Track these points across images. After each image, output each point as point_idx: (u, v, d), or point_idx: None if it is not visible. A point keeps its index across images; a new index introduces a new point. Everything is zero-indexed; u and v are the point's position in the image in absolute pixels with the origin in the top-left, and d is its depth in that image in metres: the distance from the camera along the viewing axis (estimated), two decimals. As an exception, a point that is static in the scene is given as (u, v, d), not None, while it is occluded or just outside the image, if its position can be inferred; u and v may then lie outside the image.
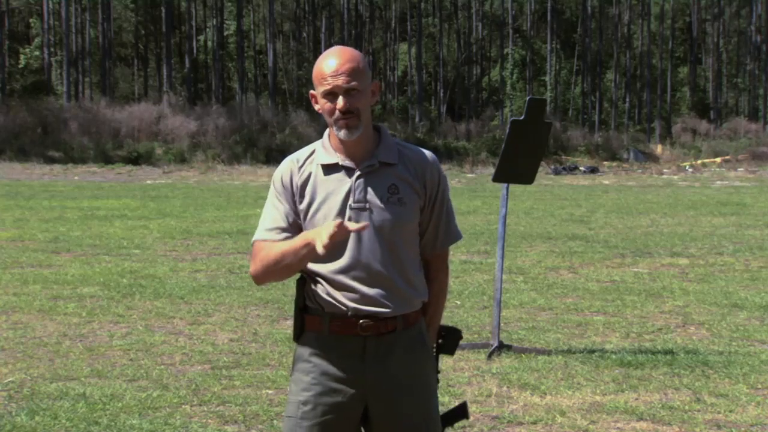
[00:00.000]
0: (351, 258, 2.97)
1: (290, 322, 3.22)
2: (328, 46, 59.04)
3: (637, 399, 6.27)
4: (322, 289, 3.00)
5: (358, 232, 2.82)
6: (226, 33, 61.43)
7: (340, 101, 2.92)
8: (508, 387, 6.56)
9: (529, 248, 14.52)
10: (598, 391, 6.44)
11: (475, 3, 66.82)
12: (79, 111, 44.86)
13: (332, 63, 2.93)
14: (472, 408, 6.02)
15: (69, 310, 9.15)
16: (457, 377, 6.79)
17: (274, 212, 3.05)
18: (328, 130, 3.06)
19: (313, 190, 3.00)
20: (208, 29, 63.20)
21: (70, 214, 19.29)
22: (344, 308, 2.96)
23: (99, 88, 54.73)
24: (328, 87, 2.92)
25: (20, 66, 58.04)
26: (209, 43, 62.21)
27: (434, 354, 3.15)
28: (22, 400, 6.09)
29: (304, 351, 3.05)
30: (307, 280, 3.05)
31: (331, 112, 2.94)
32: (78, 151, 40.49)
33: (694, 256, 13.85)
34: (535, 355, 7.48)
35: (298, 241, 2.90)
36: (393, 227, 2.98)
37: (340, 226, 2.74)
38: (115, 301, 9.71)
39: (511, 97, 64.28)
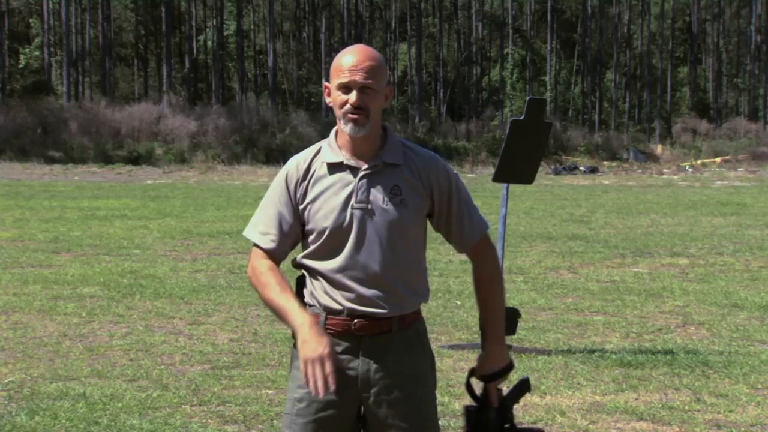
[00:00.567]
0: (350, 258, 2.97)
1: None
2: (329, 46, 59.16)
3: (637, 399, 6.27)
4: (320, 287, 3.02)
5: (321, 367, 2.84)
6: (226, 33, 61.43)
7: (353, 96, 2.93)
8: (507, 387, 6.55)
9: (529, 248, 14.52)
10: (598, 391, 6.44)
11: (475, 3, 66.82)
12: (79, 111, 44.86)
13: (353, 58, 2.94)
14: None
15: (69, 310, 9.15)
16: (457, 377, 6.79)
17: (272, 215, 3.06)
18: (335, 128, 3.07)
19: (317, 188, 3.01)
20: (208, 29, 63.20)
21: (70, 214, 19.29)
22: (340, 307, 2.97)
23: (99, 88, 54.73)
24: (345, 80, 2.93)
25: (20, 66, 58.05)
26: (209, 43, 62.20)
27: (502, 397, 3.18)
28: (22, 400, 6.09)
29: None
30: (307, 277, 3.07)
31: (342, 104, 2.95)
32: (78, 151, 40.49)
33: (694, 256, 13.85)
34: (535, 355, 7.49)
35: (292, 318, 2.92)
36: (394, 228, 2.99)
37: (320, 358, 2.82)
38: (115, 301, 9.71)
39: (511, 97, 64.28)
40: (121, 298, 9.84)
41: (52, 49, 56.52)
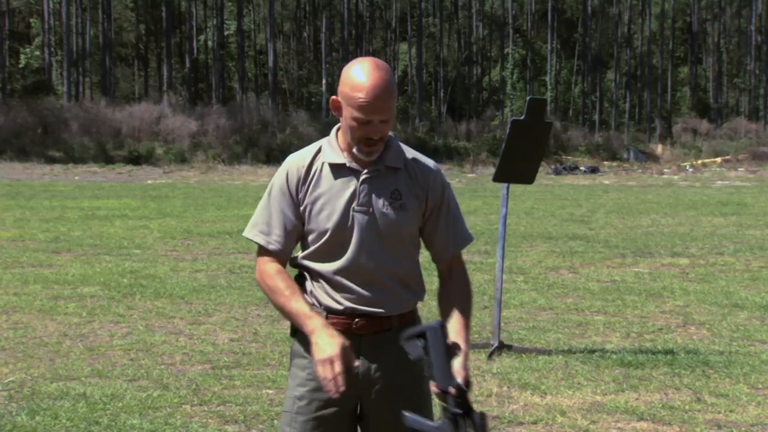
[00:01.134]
0: (350, 259, 2.99)
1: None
2: (329, 46, 59.19)
3: (637, 399, 6.27)
4: (320, 287, 3.04)
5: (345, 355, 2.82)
6: (226, 33, 61.43)
7: (376, 133, 2.92)
8: (508, 387, 6.56)
9: (530, 248, 14.52)
10: (598, 391, 6.44)
11: (475, 3, 66.79)
12: (80, 111, 44.83)
13: (372, 93, 2.86)
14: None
15: (69, 310, 9.15)
16: (458, 377, 6.79)
17: (274, 215, 3.06)
18: (337, 128, 3.06)
19: (318, 189, 3.02)
20: (208, 29, 63.21)
21: (71, 214, 19.29)
22: (341, 307, 2.99)
23: (99, 88, 54.72)
24: (366, 118, 2.89)
25: (21, 66, 58.04)
26: (210, 43, 62.21)
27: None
28: (22, 400, 6.09)
29: (301, 347, 3.07)
30: (307, 277, 3.07)
31: (361, 138, 2.93)
32: (78, 151, 40.47)
33: (694, 256, 13.85)
34: (535, 355, 7.49)
35: (304, 323, 2.92)
36: (393, 231, 3.01)
37: (331, 360, 2.79)
38: (115, 301, 9.71)
39: (511, 97, 64.25)
40: (121, 298, 9.84)
41: (52, 49, 56.52)
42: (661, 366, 7.13)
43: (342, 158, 3.02)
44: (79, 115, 43.84)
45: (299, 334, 3.07)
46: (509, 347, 7.61)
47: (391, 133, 3.10)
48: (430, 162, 3.13)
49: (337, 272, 2.99)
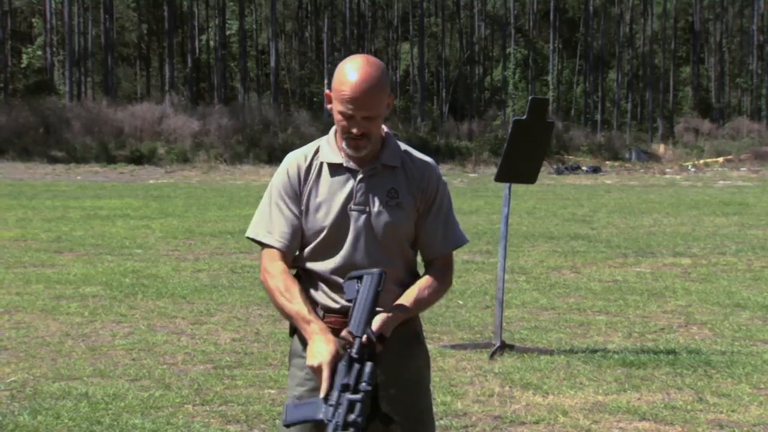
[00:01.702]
0: (347, 258, 3.01)
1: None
2: (331, 45, 59.19)
3: (639, 399, 6.27)
4: (316, 285, 3.06)
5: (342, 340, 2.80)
6: (228, 32, 61.44)
7: (356, 129, 2.93)
8: (510, 387, 6.56)
9: (532, 248, 14.52)
10: (600, 391, 6.44)
11: (477, 2, 66.78)
12: (82, 111, 44.85)
13: (356, 87, 2.88)
14: (474, 408, 6.03)
15: (71, 310, 9.15)
16: (460, 377, 6.80)
17: (277, 213, 3.07)
18: (335, 128, 3.07)
19: (317, 188, 3.04)
20: (210, 29, 63.22)
21: (73, 213, 19.30)
22: (337, 305, 3.01)
23: (101, 87, 54.74)
24: (348, 111, 2.91)
25: (23, 66, 58.08)
26: (211, 43, 62.24)
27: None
28: (24, 400, 6.09)
29: (299, 346, 3.07)
30: (303, 277, 3.09)
31: (344, 130, 2.96)
32: (81, 151, 40.49)
33: (696, 255, 13.85)
34: (537, 354, 7.48)
35: (303, 327, 2.92)
36: (390, 230, 3.03)
37: (320, 366, 2.77)
38: (117, 300, 9.72)
39: (513, 96, 64.25)
40: (123, 298, 9.84)
41: (54, 49, 56.56)
42: (663, 366, 7.12)
43: (339, 158, 3.04)
44: (81, 115, 43.85)
45: (297, 334, 3.07)
46: (511, 347, 7.61)
47: (389, 131, 3.11)
48: (426, 158, 3.15)
49: (334, 271, 3.01)
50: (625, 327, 8.66)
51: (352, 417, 2.60)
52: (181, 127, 43.27)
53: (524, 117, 7.54)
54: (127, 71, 65.08)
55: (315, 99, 60.04)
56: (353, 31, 60.52)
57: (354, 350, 2.74)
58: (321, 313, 3.01)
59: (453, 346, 7.72)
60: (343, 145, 3.00)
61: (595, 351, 7.58)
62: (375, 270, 2.86)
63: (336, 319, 2.99)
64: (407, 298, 3.01)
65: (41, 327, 8.40)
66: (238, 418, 5.77)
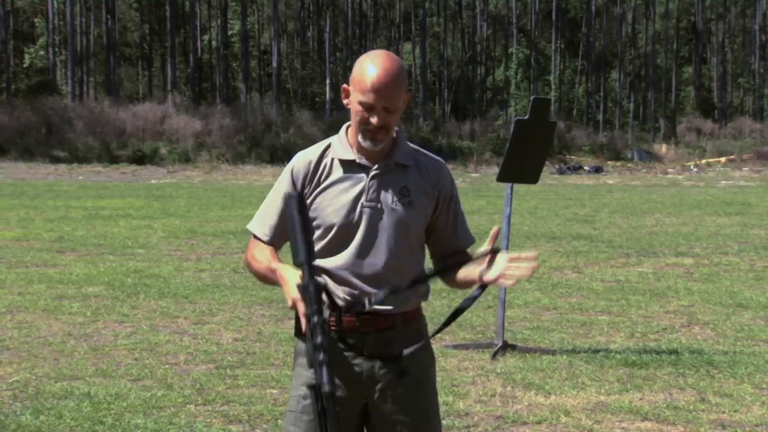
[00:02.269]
0: (356, 255, 2.99)
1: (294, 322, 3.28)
2: (333, 45, 59.20)
3: (641, 399, 6.27)
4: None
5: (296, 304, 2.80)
6: (230, 32, 61.47)
7: (375, 119, 2.93)
8: (512, 387, 6.56)
9: (534, 248, 14.51)
10: (602, 391, 6.44)
11: (479, 2, 66.79)
12: (84, 110, 44.87)
13: (378, 79, 2.89)
14: (476, 408, 6.03)
15: (74, 310, 9.16)
16: (462, 377, 6.79)
17: (272, 208, 3.10)
18: (347, 125, 3.07)
19: (327, 184, 3.03)
20: (212, 29, 63.26)
21: (75, 213, 19.31)
22: (344, 304, 2.99)
23: (104, 87, 54.80)
24: (369, 101, 2.91)
25: (25, 66, 58.12)
26: (213, 43, 62.27)
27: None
28: (26, 400, 6.10)
29: (303, 346, 3.06)
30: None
31: (364, 122, 2.95)
32: (83, 151, 40.51)
33: (698, 255, 13.84)
34: (539, 354, 7.48)
35: (278, 271, 2.95)
36: (401, 228, 3.01)
37: (295, 304, 2.79)
38: (119, 300, 9.72)
39: (515, 96, 64.25)
40: (125, 298, 9.85)
41: (56, 49, 56.59)
42: (665, 366, 7.12)
43: (352, 155, 3.03)
44: (83, 115, 43.88)
45: (301, 334, 3.07)
46: (513, 347, 7.61)
47: (399, 130, 3.11)
48: (437, 159, 3.16)
49: (342, 267, 2.99)
50: (628, 327, 8.66)
51: (317, 340, 2.61)
52: (183, 127, 43.29)
53: (526, 117, 7.54)
54: (130, 71, 65.14)
55: (317, 99, 60.06)
56: (355, 31, 60.53)
57: (304, 278, 2.73)
58: (327, 312, 3.00)
59: (455, 346, 7.72)
60: (359, 138, 2.99)
61: (597, 351, 7.58)
62: (293, 192, 2.87)
63: (343, 318, 2.98)
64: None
65: (43, 327, 8.40)
66: (240, 417, 5.77)
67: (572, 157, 48.46)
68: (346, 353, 3.00)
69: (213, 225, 17.38)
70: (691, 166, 45.92)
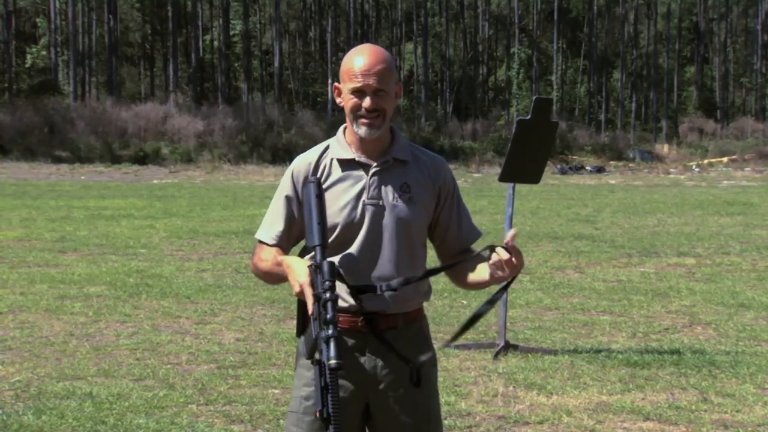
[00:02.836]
0: (358, 254, 3.00)
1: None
2: (335, 45, 59.14)
3: (643, 399, 6.26)
4: None
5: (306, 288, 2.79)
6: (232, 32, 61.48)
7: (368, 101, 2.94)
8: (514, 387, 6.55)
9: (536, 248, 14.51)
10: (604, 391, 6.43)
11: (481, 2, 66.78)
12: (86, 110, 44.89)
13: (364, 61, 2.94)
14: (478, 408, 6.03)
15: (76, 310, 9.16)
16: (464, 377, 6.79)
17: (277, 214, 3.09)
18: (344, 126, 3.08)
19: (327, 184, 3.03)
20: (214, 29, 63.27)
21: (77, 213, 19.32)
22: (346, 304, 2.98)
23: (105, 87, 54.79)
24: (358, 84, 2.93)
25: (27, 66, 58.13)
26: (215, 43, 62.29)
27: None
28: (29, 400, 6.10)
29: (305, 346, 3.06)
30: None
31: (356, 108, 2.96)
32: (85, 151, 40.53)
33: (700, 255, 13.83)
34: (541, 354, 7.48)
35: (280, 268, 2.95)
36: (402, 225, 3.01)
37: (302, 288, 2.79)
38: (121, 300, 9.73)
39: (517, 96, 64.22)
40: (127, 298, 9.85)
41: (58, 49, 56.60)
42: (667, 366, 7.12)
43: (351, 153, 3.03)
44: (85, 115, 43.90)
45: (304, 334, 3.07)
46: (515, 347, 7.61)
47: (395, 126, 3.11)
48: (436, 156, 3.17)
49: (345, 265, 2.98)
50: (630, 327, 8.66)
51: (328, 315, 2.65)
52: (185, 127, 43.31)
53: (528, 117, 7.54)
54: (131, 71, 65.15)
55: (319, 99, 60.05)
56: (357, 31, 60.51)
57: (317, 259, 2.79)
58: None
59: (457, 346, 7.72)
60: (355, 128, 2.99)
61: (599, 351, 7.58)
62: (312, 178, 2.92)
63: (344, 318, 2.97)
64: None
65: (45, 327, 8.41)
66: (242, 417, 5.77)
67: (574, 157, 48.45)
68: (347, 352, 2.98)
69: (215, 225, 17.39)
70: (693, 166, 45.89)
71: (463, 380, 6.70)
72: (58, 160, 39.11)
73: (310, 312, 2.76)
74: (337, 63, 58.42)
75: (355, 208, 2.99)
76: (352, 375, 2.98)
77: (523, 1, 67.61)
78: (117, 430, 5.53)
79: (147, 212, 19.96)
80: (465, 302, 9.76)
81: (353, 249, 2.99)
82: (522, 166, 7.62)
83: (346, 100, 2.98)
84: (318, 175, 3.03)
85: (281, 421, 5.62)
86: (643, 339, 8.17)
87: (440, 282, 2.74)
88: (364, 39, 60.54)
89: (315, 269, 2.77)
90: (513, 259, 2.86)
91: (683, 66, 69.55)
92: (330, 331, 2.62)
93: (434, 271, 3.02)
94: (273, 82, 57.85)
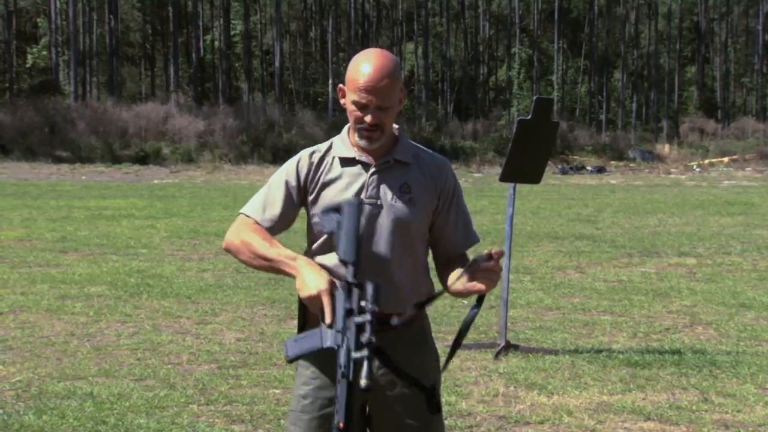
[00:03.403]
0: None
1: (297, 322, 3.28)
2: (335, 45, 59.19)
3: (644, 399, 6.26)
4: None
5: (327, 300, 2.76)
6: (232, 33, 61.49)
7: (369, 117, 2.93)
8: (515, 387, 6.55)
9: (536, 248, 14.51)
10: (605, 391, 6.43)
11: (482, 2, 66.79)
12: (87, 110, 44.90)
13: (369, 75, 2.89)
14: (479, 407, 6.03)
15: (76, 310, 9.17)
16: (464, 377, 6.79)
17: (275, 197, 3.05)
18: (348, 125, 3.08)
19: (327, 181, 3.03)
20: (214, 29, 63.28)
21: (78, 213, 19.32)
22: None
23: (106, 87, 54.81)
24: (362, 100, 2.91)
25: (28, 66, 58.15)
26: (216, 43, 62.31)
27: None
28: (29, 400, 6.10)
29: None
30: None
31: (358, 120, 2.95)
32: (85, 151, 40.54)
33: (701, 255, 13.83)
34: (542, 354, 7.48)
35: (287, 265, 2.89)
36: (401, 225, 3.00)
37: (319, 294, 2.75)
38: (122, 300, 9.73)
39: (518, 96, 64.23)
40: (128, 298, 9.85)
41: (59, 49, 56.62)
42: (668, 366, 7.12)
43: (352, 152, 3.03)
44: (85, 115, 43.90)
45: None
46: (516, 347, 7.61)
47: (401, 129, 3.11)
48: (439, 157, 3.15)
49: (342, 266, 2.96)
50: (630, 327, 8.66)
51: (365, 337, 2.60)
52: (185, 127, 43.32)
53: (529, 117, 7.53)
54: (132, 71, 65.18)
55: (320, 99, 60.05)
56: (358, 31, 60.53)
57: (350, 275, 2.75)
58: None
59: (458, 346, 7.71)
60: (356, 137, 2.99)
61: (599, 351, 7.58)
62: (353, 199, 2.88)
63: None
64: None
65: (46, 327, 8.41)
66: (243, 417, 5.77)
67: (575, 157, 48.45)
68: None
69: (215, 225, 17.39)
70: (694, 166, 45.89)
71: (464, 380, 6.70)
72: (59, 160, 39.12)
73: (327, 321, 2.72)
74: (338, 63, 58.60)
75: None
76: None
77: (523, 1, 67.62)
78: (118, 430, 5.53)
79: (148, 212, 19.97)
80: (465, 302, 9.76)
81: None
82: (523, 166, 7.62)
83: (349, 109, 2.97)
84: (319, 173, 3.03)
85: (282, 421, 5.62)
86: (644, 339, 8.17)
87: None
88: (364, 39, 60.59)
89: (348, 285, 2.72)
90: (493, 265, 2.82)
91: (684, 66, 69.55)
92: (365, 352, 2.58)
93: (434, 297, 3.00)
94: (274, 83, 57.87)
